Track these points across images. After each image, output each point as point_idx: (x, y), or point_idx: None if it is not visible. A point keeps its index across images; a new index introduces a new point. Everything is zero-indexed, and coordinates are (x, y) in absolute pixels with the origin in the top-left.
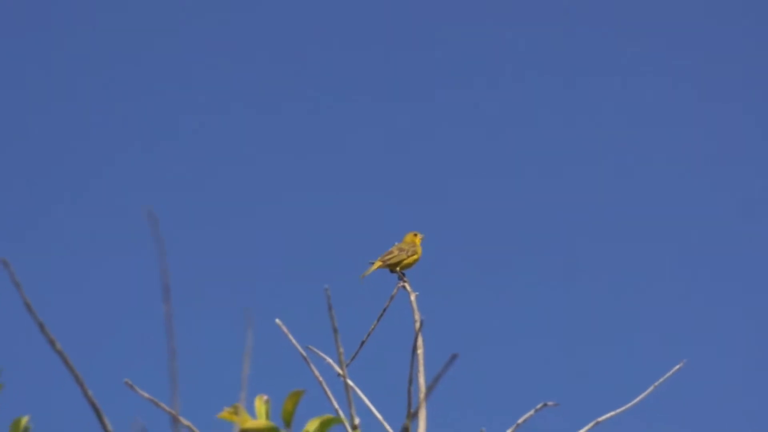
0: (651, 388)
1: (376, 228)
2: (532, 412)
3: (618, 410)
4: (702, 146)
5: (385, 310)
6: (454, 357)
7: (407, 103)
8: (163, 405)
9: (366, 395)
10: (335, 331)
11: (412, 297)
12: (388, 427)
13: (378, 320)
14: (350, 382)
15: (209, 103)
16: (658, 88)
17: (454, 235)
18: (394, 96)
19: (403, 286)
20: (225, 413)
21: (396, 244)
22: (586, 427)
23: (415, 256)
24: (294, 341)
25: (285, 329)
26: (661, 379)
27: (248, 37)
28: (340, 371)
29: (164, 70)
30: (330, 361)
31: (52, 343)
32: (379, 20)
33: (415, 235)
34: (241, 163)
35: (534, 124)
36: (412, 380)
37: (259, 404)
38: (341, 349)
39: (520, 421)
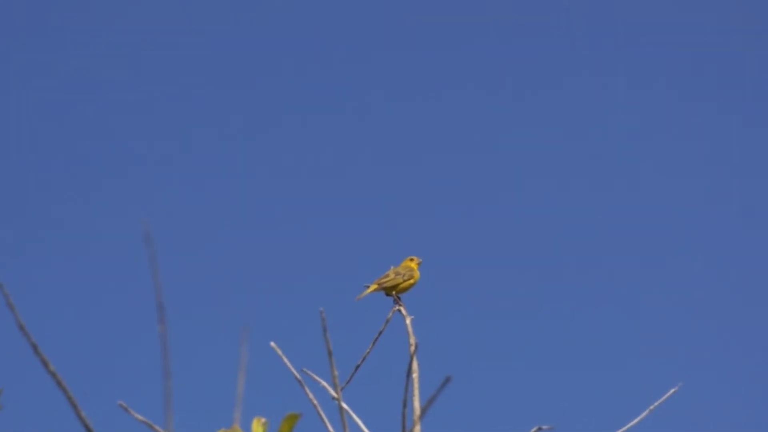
0: (646, 412)
1: (374, 251)
2: None
3: None
4: (704, 161)
5: (380, 333)
6: (448, 380)
7: (406, 122)
8: (157, 427)
9: (360, 418)
10: (330, 354)
11: (408, 321)
12: None
13: (373, 344)
14: (345, 406)
15: (205, 118)
16: (655, 93)
17: (449, 259)
18: (394, 115)
19: (399, 310)
20: None
21: (392, 267)
22: None
23: (411, 281)
24: (289, 364)
25: (279, 352)
26: (656, 403)
27: (240, 51)
28: (335, 394)
29: (161, 81)
30: (325, 384)
31: (45, 364)
32: (370, 29)
33: (412, 259)
34: (237, 180)
35: (530, 144)
36: (406, 403)
37: (257, 426)
38: (336, 373)
39: None
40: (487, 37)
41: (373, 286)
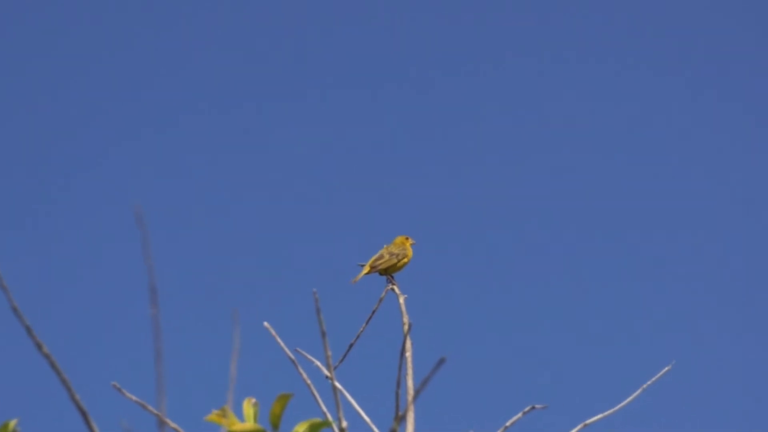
0: (639, 390)
1: (365, 229)
2: (520, 414)
3: (607, 412)
4: (691, 143)
5: (374, 312)
6: (442, 360)
7: (398, 102)
8: (150, 407)
9: (354, 398)
10: (323, 333)
11: (401, 300)
12: (376, 430)
13: (366, 323)
14: (338, 385)
15: (196, 102)
16: (652, 82)
17: (442, 238)
18: (383, 97)
19: (392, 289)
20: (213, 416)
21: (385, 246)
22: (575, 430)
23: (405, 260)
24: (282, 344)
25: (273, 332)
26: (649, 381)
27: (225, 33)
28: (328, 374)
29: (149, 67)
30: (318, 363)
31: (38, 346)
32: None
33: (406, 239)
34: (230, 163)
35: (521, 124)
36: (400, 383)
37: (247, 407)
38: (329, 352)
39: (508, 423)
40: (491, 14)
41: (367, 268)
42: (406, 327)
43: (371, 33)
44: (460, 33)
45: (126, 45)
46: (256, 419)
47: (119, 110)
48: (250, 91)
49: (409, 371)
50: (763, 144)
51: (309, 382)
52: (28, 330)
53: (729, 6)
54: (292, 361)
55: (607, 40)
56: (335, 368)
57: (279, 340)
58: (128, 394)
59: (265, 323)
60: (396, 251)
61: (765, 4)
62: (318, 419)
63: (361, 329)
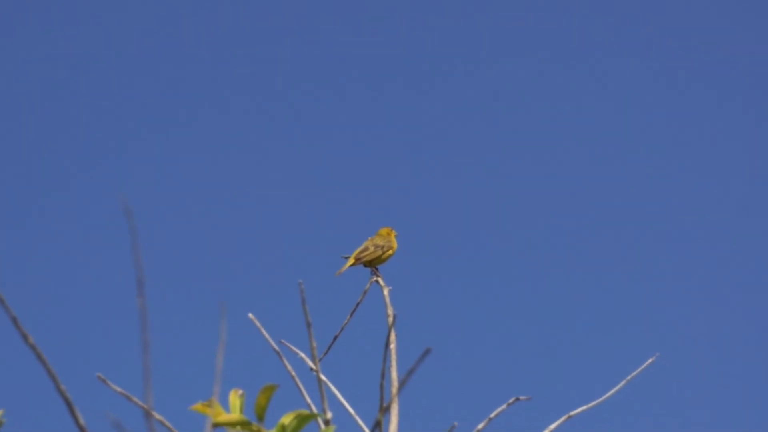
0: (623, 383)
1: (349, 221)
2: (504, 406)
3: (590, 404)
4: (671, 138)
5: (358, 304)
6: (426, 351)
7: (376, 95)
8: (135, 399)
9: (339, 389)
10: (308, 325)
11: (386, 291)
12: (360, 421)
13: (351, 315)
14: (323, 377)
15: (181, 99)
16: (652, 81)
17: (426, 229)
18: (362, 90)
19: (377, 281)
20: (198, 406)
21: (370, 238)
22: (559, 422)
23: (390, 252)
24: (267, 335)
25: (258, 323)
26: (633, 374)
27: (225, 33)
28: (313, 365)
29: (149, 67)
30: (303, 355)
31: (25, 337)
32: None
33: (391, 230)
34: (215, 157)
35: (506, 116)
36: (384, 374)
37: (234, 398)
38: (314, 344)
39: (492, 415)
40: (478, 10)
41: (351, 260)
42: (390, 319)
43: (371, 33)
44: (459, 33)
45: (126, 45)
46: (242, 410)
47: (119, 110)
48: (249, 91)
49: (394, 363)
50: (762, 143)
51: (294, 373)
52: (14, 320)
53: (729, 6)
54: (277, 353)
55: (606, 40)
56: (320, 360)
57: (264, 331)
58: (114, 386)
59: (250, 315)
60: (381, 243)
61: (765, 4)
62: (304, 411)
63: (346, 321)
